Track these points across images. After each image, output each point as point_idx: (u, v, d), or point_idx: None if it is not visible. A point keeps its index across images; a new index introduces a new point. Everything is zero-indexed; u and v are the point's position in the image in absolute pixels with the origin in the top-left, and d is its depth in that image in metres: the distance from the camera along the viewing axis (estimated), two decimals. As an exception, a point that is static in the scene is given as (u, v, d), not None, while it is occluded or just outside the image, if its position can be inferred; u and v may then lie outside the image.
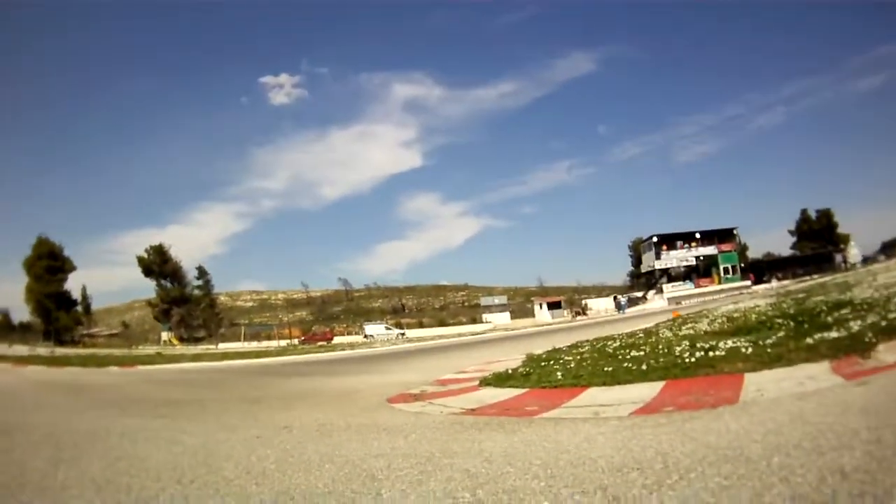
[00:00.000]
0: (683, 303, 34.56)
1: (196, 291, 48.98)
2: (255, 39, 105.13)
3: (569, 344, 8.25)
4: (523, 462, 2.24)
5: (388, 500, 1.95)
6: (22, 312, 53.88)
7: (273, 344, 32.99)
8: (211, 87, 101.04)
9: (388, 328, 38.74)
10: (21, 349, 21.64)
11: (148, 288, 49.64)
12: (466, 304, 59.66)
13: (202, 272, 50.39)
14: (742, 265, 45.58)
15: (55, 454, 2.44)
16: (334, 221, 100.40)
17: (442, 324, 44.38)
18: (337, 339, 34.53)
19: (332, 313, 56.93)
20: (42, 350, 21.48)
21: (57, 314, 44.06)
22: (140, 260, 48.12)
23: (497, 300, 49.31)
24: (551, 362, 6.04)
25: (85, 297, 49.68)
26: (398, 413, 4.19)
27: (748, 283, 41.99)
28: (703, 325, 7.82)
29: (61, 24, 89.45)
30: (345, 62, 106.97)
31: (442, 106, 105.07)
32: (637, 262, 54.29)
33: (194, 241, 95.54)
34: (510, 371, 5.76)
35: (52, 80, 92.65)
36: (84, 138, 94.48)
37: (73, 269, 46.83)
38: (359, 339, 34.60)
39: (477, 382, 5.45)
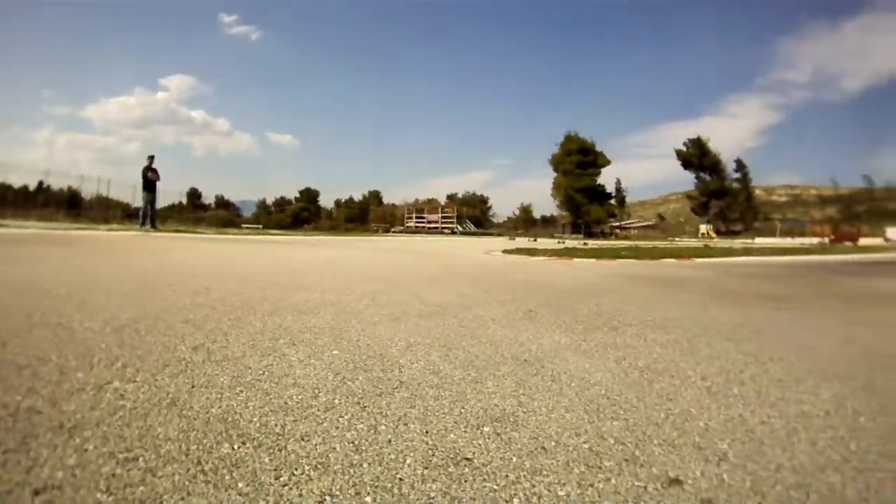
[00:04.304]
0: None
1: (734, 185, 48.81)
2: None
3: None
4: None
5: None
6: (546, 207, 57.81)
7: (805, 241, 30.00)
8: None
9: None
10: (548, 242, 20.55)
11: (683, 181, 49.07)
12: None
13: (740, 165, 49.61)
14: None
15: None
16: (859, 115, 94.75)
17: None
18: (862, 241, 29.89)
19: (856, 212, 51.72)
20: (572, 242, 19.84)
21: (588, 207, 45.14)
22: (679, 153, 49.31)
23: None
24: None
25: (619, 190, 50.49)
26: None
27: None
28: None
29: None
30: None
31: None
32: None
33: (728, 132, 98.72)
34: None
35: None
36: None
37: (606, 163, 46.97)
38: (880, 241, 30.58)
39: None
